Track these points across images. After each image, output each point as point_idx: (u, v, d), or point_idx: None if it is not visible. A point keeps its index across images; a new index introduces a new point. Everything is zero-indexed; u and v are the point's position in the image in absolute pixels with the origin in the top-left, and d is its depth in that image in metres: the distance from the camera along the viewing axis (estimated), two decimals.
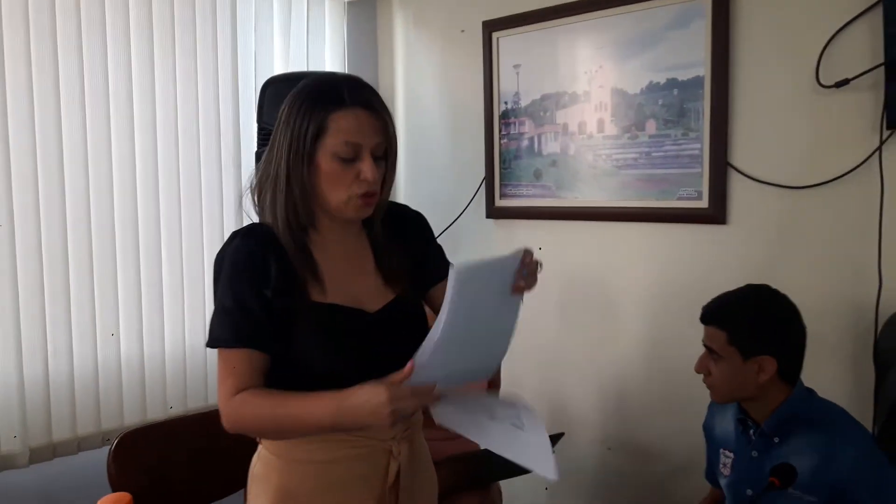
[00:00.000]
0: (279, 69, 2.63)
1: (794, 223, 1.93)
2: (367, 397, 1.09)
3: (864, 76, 1.75)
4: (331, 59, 2.80)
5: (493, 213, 2.62)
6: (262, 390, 1.18)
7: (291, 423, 1.16)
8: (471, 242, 2.70)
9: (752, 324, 1.49)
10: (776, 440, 1.46)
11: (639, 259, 2.26)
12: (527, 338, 2.54)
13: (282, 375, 1.20)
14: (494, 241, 2.64)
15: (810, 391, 1.51)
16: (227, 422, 1.18)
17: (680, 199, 2.14)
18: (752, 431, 1.51)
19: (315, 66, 2.74)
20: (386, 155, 1.24)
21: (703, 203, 2.09)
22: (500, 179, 2.59)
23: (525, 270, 1.18)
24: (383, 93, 2.93)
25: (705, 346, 1.53)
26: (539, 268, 1.22)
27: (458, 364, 1.19)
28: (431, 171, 2.83)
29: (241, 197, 1.27)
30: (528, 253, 1.19)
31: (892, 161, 1.75)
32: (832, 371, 1.85)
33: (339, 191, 1.19)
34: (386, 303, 1.28)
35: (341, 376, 1.17)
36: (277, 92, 2.38)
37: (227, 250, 1.21)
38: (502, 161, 2.58)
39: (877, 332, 1.73)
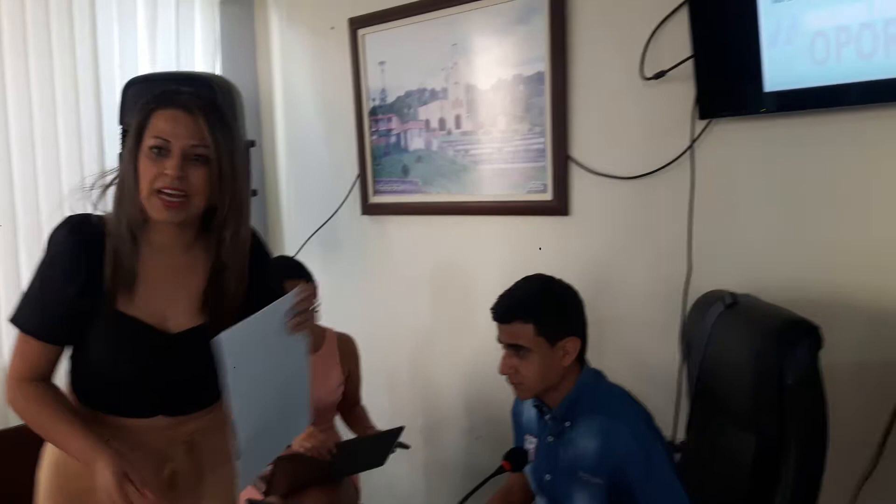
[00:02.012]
0: (146, 69, 2.61)
1: (627, 212, 1.99)
2: (102, 470, 1.15)
3: (684, 70, 1.81)
4: (203, 58, 2.78)
5: (368, 209, 2.64)
6: (48, 394, 1.25)
7: (55, 441, 1.26)
8: (347, 239, 2.72)
9: (555, 310, 1.54)
10: (567, 424, 1.51)
11: (496, 251, 2.31)
12: (401, 329, 2.60)
13: (80, 370, 1.29)
14: (369, 237, 2.66)
15: (598, 374, 1.57)
16: (9, 400, 1.26)
17: (529, 192, 2.19)
18: (547, 417, 1.56)
19: (186, 66, 2.72)
20: (220, 170, 1.24)
21: (549, 196, 2.14)
22: (373, 176, 2.61)
23: (296, 309, 1.25)
24: (262, 92, 2.98)
25: (507, 345, 1.55)
26: (315, 304, 1.27)
27: (272, 413, 1.25)
28: (310, 168, 2.85)
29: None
30: (302, 290, 1.27)
31: (704, 152, 1.82)
32: (662, 351, 1.92)
33: (144, 185, 1.22)
34: (192, 327, 1.31)
35: (130, 386, 1.27)
36: (139, 92, 2.36)
37: (52, 239, 1.25)
38: (374, 158, 2.60)
39: (684, 315, 1.80)
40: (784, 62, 1.62)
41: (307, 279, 2.00)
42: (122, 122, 2.37)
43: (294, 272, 2.01)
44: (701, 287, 1.78)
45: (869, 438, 1.62)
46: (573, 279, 2.06)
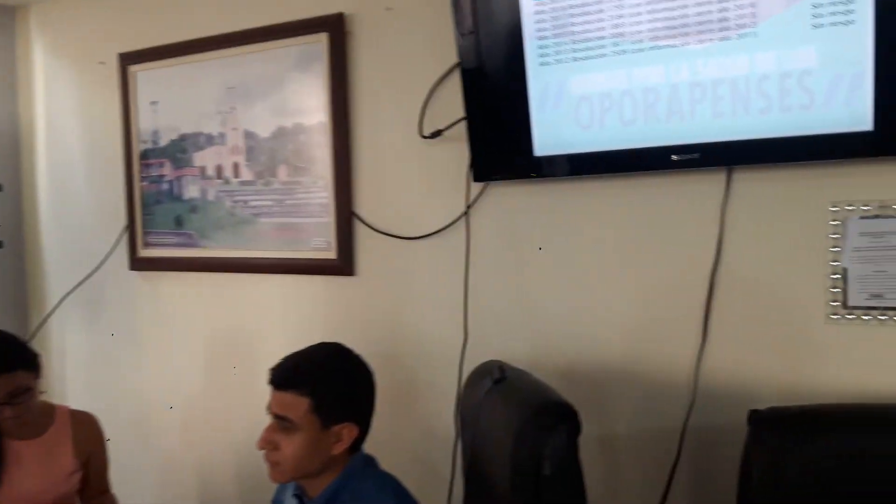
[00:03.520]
0: None
1: (412, 274, 1.87)
2: None
3: (462, 131, 1.73)
4: None
5: (137, 264, 2.34)
6: None
7: None
8: (114, 298, 2.40)
9: (340, 389, 1.36)
10: None
11: (278, 313, 2.11)
12: (173, 399, 2.31)
13: None
14: (138, 296, 2.36)
15: (368, 461, 1.41)
16: None
17: (313, 249, 2.02)
18: None
19: None
20: None
21: (333, 254, 1.98)
22: (143, 227, 2.33)
23: None
24: (22, 130, 2.61)
25: (275, 415, 1.36)
26: None
27: None
28: (73, 216, 2.51)
29: None
30: None
31: (480, 216, 1.75)
32: (446, 420, 1.79)
33: None
34: None
35: None
36: None
37: None
38: (144, 206, 2.32)
39: (460, 385, 1.70)
40: (552, 126, 1.58)
41: (27, 362, 1.69)
42: None
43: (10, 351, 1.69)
44: (481, 355, 1.69)
45: None
46: (358, 342, 1.92)
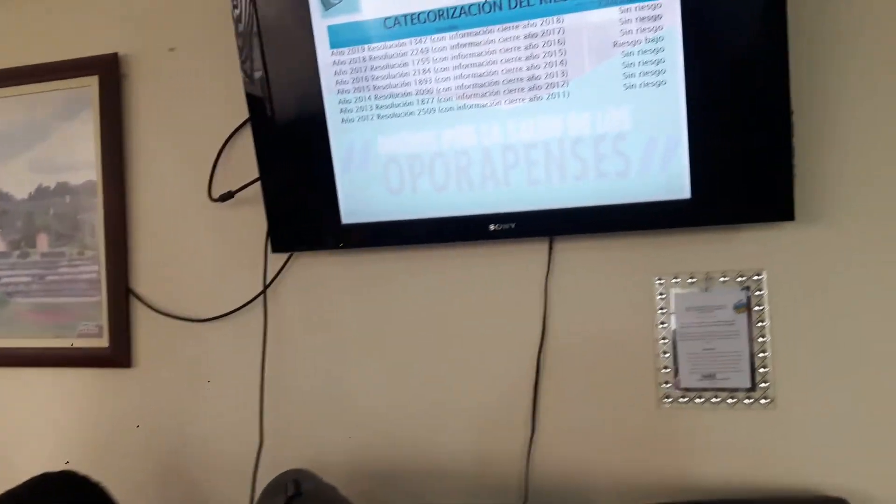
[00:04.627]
0: None
1: (202, 363, 1.57)
2: None
3: (257, 195, 1.48)
4: None
5: None
6: None
7: None
8: None
9: None
10: None
11: (39, 417, 1.71)
12: None
13: None
14: None
15: None
16: None
17: (80, 335, 1.67)
18: None
19: None
20: None
21: (104, 341, 1.64)
22: None
23: None
24: None
25: None
26: None
27: None
28: None
29: None
30: None
31: (282, 292, 1.50)
32: None
33: None
34: None
35: None
36: None
37: None
38: None
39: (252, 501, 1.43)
40: (360, 191, 1.37)
41: None
42: None
43: None
44: (285, 460, 1.43)
45: None
46: (135, 450, 1.60)
